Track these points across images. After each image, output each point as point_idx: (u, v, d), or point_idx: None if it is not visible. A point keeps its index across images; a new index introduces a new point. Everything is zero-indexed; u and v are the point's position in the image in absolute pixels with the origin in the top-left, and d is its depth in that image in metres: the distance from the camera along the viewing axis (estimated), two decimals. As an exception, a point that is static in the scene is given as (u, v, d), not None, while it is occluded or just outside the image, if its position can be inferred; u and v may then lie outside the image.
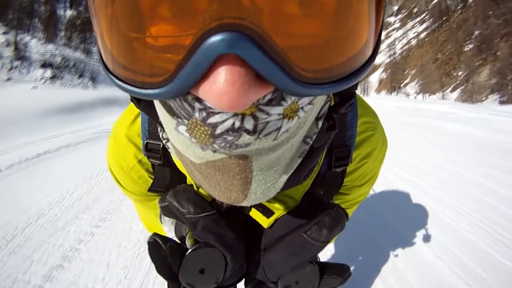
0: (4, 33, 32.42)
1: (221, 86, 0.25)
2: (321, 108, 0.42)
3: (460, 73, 37.00)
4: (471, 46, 38.29)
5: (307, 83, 0.28)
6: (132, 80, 0.31)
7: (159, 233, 0.73)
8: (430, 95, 37.59)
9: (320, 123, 0.43)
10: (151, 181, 0.71)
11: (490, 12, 40.68)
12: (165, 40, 0.27)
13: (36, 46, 33.17)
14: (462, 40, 41.11)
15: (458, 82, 35.45)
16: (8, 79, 24.08)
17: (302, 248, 0.59)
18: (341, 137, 0.65)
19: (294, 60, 0.27)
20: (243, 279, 0.72)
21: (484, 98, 29.50)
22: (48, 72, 22.23)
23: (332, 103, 0.49)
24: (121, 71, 0.31)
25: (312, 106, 0.35)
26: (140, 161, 0.69)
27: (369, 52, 0.33)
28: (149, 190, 0.73)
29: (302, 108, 0.33)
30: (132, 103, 0.56)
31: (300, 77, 0.28)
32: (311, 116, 0.39)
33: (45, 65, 23.46)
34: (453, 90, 36.87)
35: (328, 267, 0.67)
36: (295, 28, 0.26)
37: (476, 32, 38.59)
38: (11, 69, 26.27)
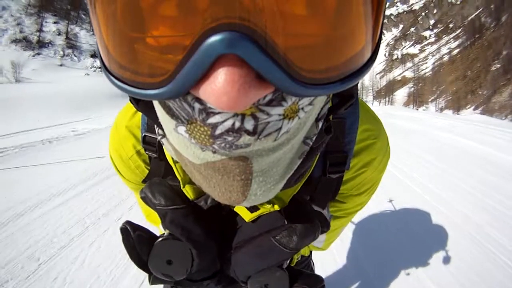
0: (55, 22, 35.30)
1: (221, 86, 0.25)
2: (321, 109, 0.42)
3: (485, 92, 37.01)
4: (498, 65, 38.20)
5: (307, 84, 0.28)
6: (132, 81, 0.30)
7: (157, 222, 0.82)
8: (453, 112, 37.86)
9: (320, 124, 0.42)
10: (148, 172, 0.73)
11: (521, 33, 40.36)
12: (164, 40, 0.27)
13: (85, 36, 35.83)
14: (490, 59, 40.94)
15: (481, 100, 35.63)
16: (61, 65, 26.75)
17: (269, 252, 0.58)
18: (338, 143, 0.64)
19: (294, 60, 0.27)
20: (217, 275, 0.69)
21: (503, 118, 29.72)
22: (98, 62, 24.71)
23: (330, 105, 0.48)
24: (120, 71, 0.31)
25: (312, 107, 0.35)
26: (138, 152, 0.70)
27: (369, 53, 0.32)
28: (143, 181, 0.74)
29: (302, 108, 0.33)
30: None
31: (301, 77, 0.27)
32: (311, 116, 0.38)
33: (94, 55, 25.95)
34: (476, 108, 36.94)
35: (302, 275, 0.64)
36: (295, 28, 0.26)
37: (504, 52, 38.47)
38: (63, 56, 28.95)
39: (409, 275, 2.41)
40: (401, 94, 70.22)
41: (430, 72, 65.09)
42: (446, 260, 2.64)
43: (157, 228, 0.81)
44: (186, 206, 0.58)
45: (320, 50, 0.28)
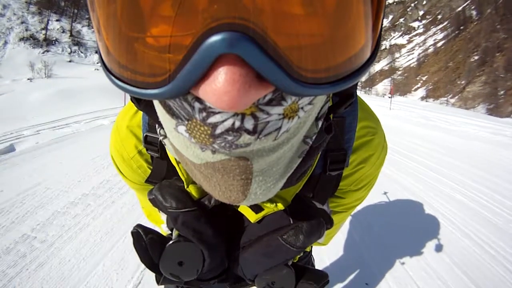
0: (57, 20, 36.39)
1: (221, 86, 0.25)
2: (321, 108, 0.42)
3: (463, 81, 39.38)
4: (476, 57, 40.51)
5: (307, 83, 0.28)
6: (132, 80, 0.30)
7: (158, 222, 0.83)
8: (434, 100, 40.23)
9: (320, 123, 0.42)
10: (150, 171, 0.72)
11: (498, 26, 42.65)
12: (165, 40, 0.27)
13: (88, 33, 36.99)
14: (470, 51, 43.19)
15: (458, 90, 38.08)
16: (70, 61, 28.30)
17: (276, 251, 0.59)
18: (337, 141, 0.65)
19: (294, 60, 0.27)
20: (225, 274, 0.70)
21: (476, 105, 32.11)
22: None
23: (330, 104, 0.49)
24: (120, 71, 0.31)
25: (312, 106, 0.35)
26: (140, 152, 0.70)
27: (369, 52, 0.32)
28: (146, 181, 0.74)
29: (302, 108, 0.33)
30: None
31: (300, 77, 0.27)
32: (311, 116, 0.38)
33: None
34: (453, 97, 39.33)
35: (307, 272, 0.65)
36: (295, 28, 0.26)
37: (484, 45, 40.75)
38: (70, 52, 30.27)
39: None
40: (386, 84, 72.54)
41: (416, 63, 67.36)
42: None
43: (158, 227, 0.81)
44: (197, 209, 0.59)
45: (320, 50, 0.28)
